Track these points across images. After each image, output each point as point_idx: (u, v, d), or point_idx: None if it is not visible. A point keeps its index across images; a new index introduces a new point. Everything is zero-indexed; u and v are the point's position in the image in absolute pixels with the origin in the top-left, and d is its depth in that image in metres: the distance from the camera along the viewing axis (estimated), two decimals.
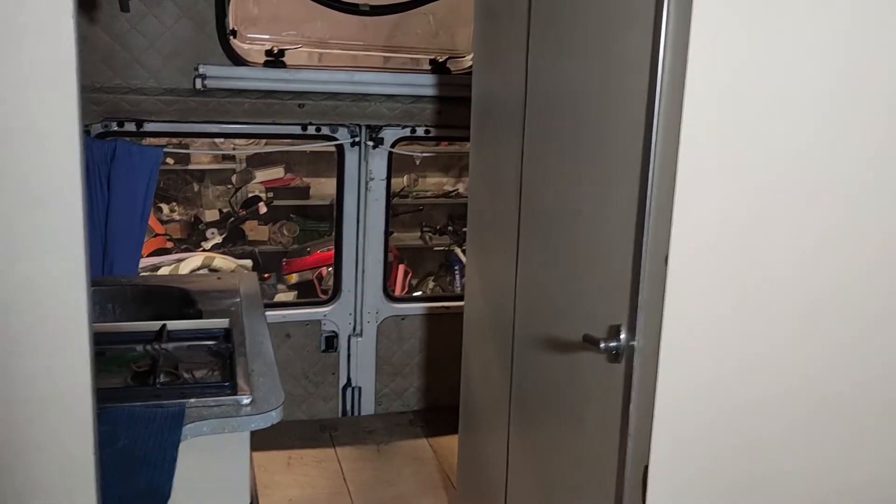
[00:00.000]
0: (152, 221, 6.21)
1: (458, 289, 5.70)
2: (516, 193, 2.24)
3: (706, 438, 1.63)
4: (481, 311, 2.65)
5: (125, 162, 3.18)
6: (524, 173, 2.20)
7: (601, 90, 1.78)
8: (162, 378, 1.63)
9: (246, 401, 1.56)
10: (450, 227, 5.83)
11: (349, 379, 3.78)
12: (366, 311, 3.74)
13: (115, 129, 3.20)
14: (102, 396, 1.52)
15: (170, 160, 6.57)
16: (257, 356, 1.82)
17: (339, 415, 3.79)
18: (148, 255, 5.85)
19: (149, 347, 1.76)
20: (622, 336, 1.69)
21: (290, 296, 5.81)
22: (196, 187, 6.81)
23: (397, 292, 5.92)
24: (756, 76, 1.49)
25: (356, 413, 3.82)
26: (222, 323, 1.92)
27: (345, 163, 3.57)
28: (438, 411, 3.83)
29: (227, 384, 1.58)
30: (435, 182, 6.95)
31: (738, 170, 1.52)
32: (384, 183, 3.65)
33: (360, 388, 3.80)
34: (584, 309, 1.86)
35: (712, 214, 1.53)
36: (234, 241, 6.12)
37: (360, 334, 3.75)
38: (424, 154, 4.52)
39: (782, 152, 1.54)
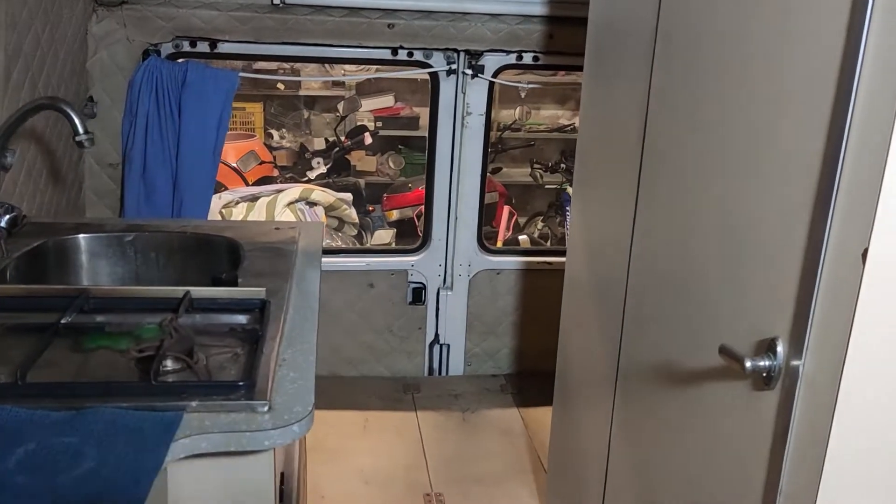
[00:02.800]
0: (259, 149, 6.10)
1: (568, 231, 5.25)
2: (638, 141, 1.73)
3: None
4: (585, 273, 2.19)
5: (198, 87, 2.87)
6: (650, 119, 1.68)
7: (775, 26, 1.24)
8: (169, 365, 1.30)
9: (263, 408, 1.20)
10: (562, 165, 5.35)
11: (437, 335, 3.43)
12: (457, 263, 3.34)
13: (188, 48, 2.89)
14: (74, 393, 1.22)
15: (280, 85, 6.42)
16: (295, 340, 1.46)
17: (425, 373, 3.46)
18: (252, 184, 5.75)
19: (163, 322, 1.43)
20: (779, 352, 1.20)
21: (389, 233, 5.55)
22: (305, 114, 6.68)
23: (501, 236, 5.51)
24: None
25: (443, 373, 3.48)
26: (258, 293, 1.56)
27: (439, 94, 3.12)
28: (534, 378, 3.43)
29: (241, 383, 1.22)
30: (549, 115, 6.49)
31: None
32: (483, 118, 3.18)
33: (448, 346, 3.45)
34: (721, 308, 1.37)
35: None
36: (338, 172, 5.91)
37: (451, 288, 3.37)
38: (531, 85, 3.98)
39: None
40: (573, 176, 2.24)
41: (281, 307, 1.56)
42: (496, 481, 2.72)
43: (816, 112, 1.12)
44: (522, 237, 5.43)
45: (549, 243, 5.68)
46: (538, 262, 3.40)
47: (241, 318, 1.51)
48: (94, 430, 1.12)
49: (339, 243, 5.33)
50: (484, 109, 3.15)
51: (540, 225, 5.70)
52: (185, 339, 1.39)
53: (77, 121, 1.71)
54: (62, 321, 1.40)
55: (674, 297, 1.57)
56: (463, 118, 3.16)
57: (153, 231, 2.04)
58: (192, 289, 1.54)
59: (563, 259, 3.40)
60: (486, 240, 3.41)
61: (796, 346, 1.15)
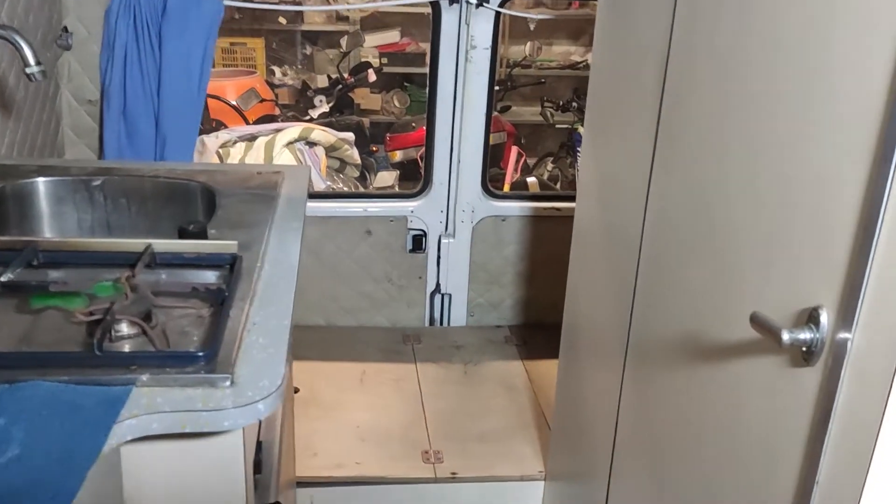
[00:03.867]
0: (261, 86, 5.89)
1: (579, 173, 5.06)
2: (658, 79, 1.53)
3: None
4: (597, 223, 2.02)
5: (179, 16, 2.64)
6: (673, 53, 1.48)
7: None
8: (123, 330, 1.14)
9: (224, 383, 1.04)
10: (574, 104, 5.11)
11: (438, 284, 3.27)
12: (460, 209, 3.16)
13: None
14: (5, 363, 1.06)
15: (282, 19, 6.18)
16: (269, 300, 1.30)
17: (426, 323, 3.32)
18: (253, 123, 5.57)
19: (119, 280, 1.27)
20: (823, 324, 1.03)
21: (392, 175, 5.37)
22: (308, 50, 6.45)
23: (508, 178, 5.30)
24: None
25: (444, 323, 3.34)
26: (229, 247, 1.39)
27: (441, 25, 2.89)
28: (540, 329, 3.28)
29: (200, 354, 1.07)
30: (561, 52, 6.24)
31: None
32: (489, 53, 2.95)
33: (450, 296, 3.29)
34: (752, 272, 1.19)
35: None
36: (341, 110, 5.71)
37: (453, 235, 3.20)
38: (541, 16, 3.72)
39: None
40: (585, 110, 2.05)
41: (255, 263, 1.39)
42: (498, 438, 2.61)
43: (882, 39, 0.92)
44: (531, 179, 5.23)
45: (559, 185, 5.48)
46: (546, 208, 3.21)
47: (210, 276, 1.35)
48: (25, 409, 0.97)
49: (341, 185, 5.17)
50: (490, 43, 2.92)
51: (550, 166, 5.51)
52: (142, 299, 1.24)
53: (27, 51, 1.53)
54: (3, 278, 1.24)
55: (696, 256, 1.39)
56: (467, 52, 2.93)
57: (123, 175, 1.87)
58: (156, 241, 1.37)
59: (573, 205, 3.23)
60: (492, 182, 3.21)
61: (844, 317, 0.98)
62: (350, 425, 2.63)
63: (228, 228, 1.56)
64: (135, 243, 1.37)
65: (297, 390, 2.76)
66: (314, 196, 3.21)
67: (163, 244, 1.38)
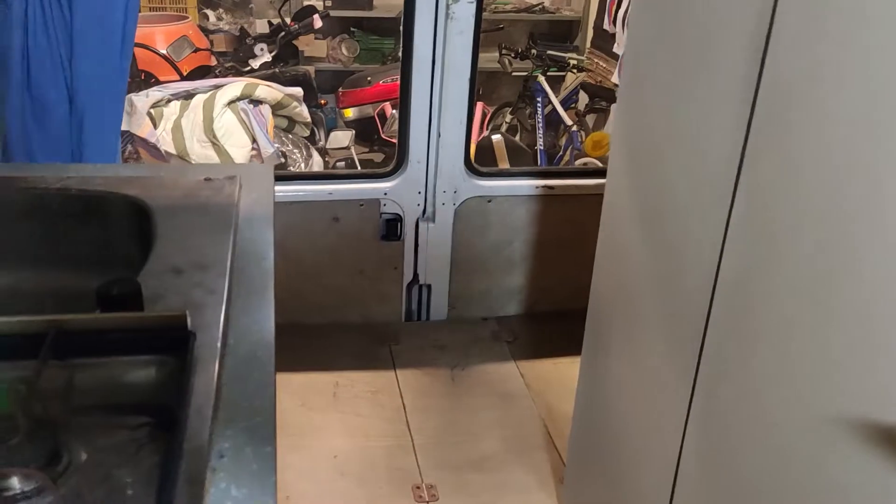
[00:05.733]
0: (194, 33, 5.32)
1: (539, 124, 4.70)
2: (758, 27, 1.13)
3: None
4: (628, 200, 1.64)
5: None
6: None
7: None
8: (15, 487, 0.72)
9: None
10: (533, 50, 4.83)
11: (416, 275, 2.87)
12: (440, 190, 2.74)
13: None
14: None
15: None
16: (241, 406, 0.88)
17: (402, 318, 2.93)
18: (187, 75, 5.02)
19: (13, 386, 0.83)
20: None
21: (347, 135, 4.91)
22: None
23: (474, 137, 4.89)
24: None
25: (423, 317, 2.95)
26: (176, 319, 0.96)
27: None
28: (532, 321, 2.94)
29: None
30: None
31: None
32: (473, 7, 2.50)
33: (429, 287, 2.90)
34: None
35: None
36: (285, 60, 5.24)
37: (433, 219, 2.79)
38: None
39: None
40: (621, 70, 1.65)
41: (216, 338, 0.97)
42: (497, 465, 2.26)
43: None
44: (496, 138, 4.82)
45: (518, 136, 5.10)
46: (539, 186, 2.81)
47: (149, 371, 0.92)
48: None
49: (290, 147, 4.69)
50: None
51: (508, 117, 5.15)
52: (44, 424, 0.81)
53: None
54: None
55: (810, 298, 1.03)
56: (447, 7, 2.47)
57: (14, 188, 1.39)
58: (65, 318, 0.93)
59: (567, 182, 2.84)
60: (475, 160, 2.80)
61: None
62: (326, 455, 2.24)
63: (172, 276, 1.12)
64: (31, 322, 0.92)
65: None
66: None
67: (78, 320, 0.93)
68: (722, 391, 1.31)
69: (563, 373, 2.67)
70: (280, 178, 2.79)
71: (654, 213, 1.55)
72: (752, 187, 1.19)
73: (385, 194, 2.72)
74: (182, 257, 1.17)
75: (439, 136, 2.66)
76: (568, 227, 2.85)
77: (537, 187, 2.81)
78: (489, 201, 2.80)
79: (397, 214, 2.75)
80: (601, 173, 2.97)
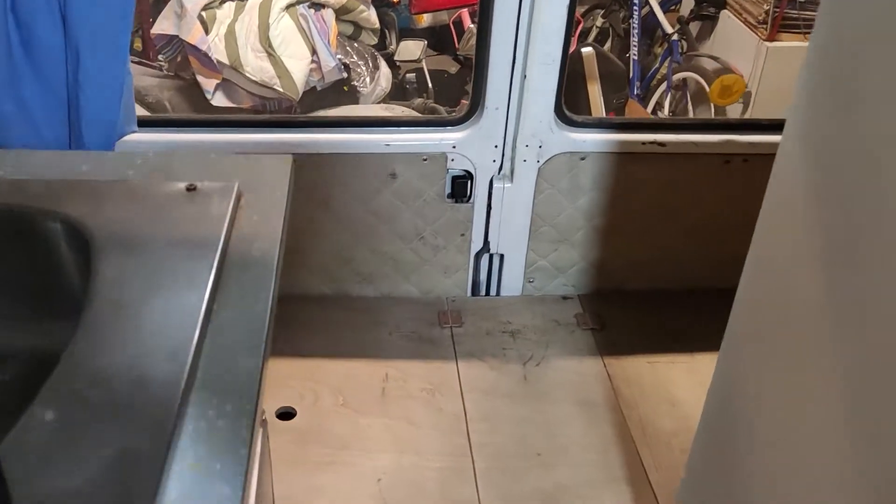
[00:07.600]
0: None
1: (635, 29, 4.02)
2: None
3: None
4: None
5: None
6: None
7: None
8: None
9: None
10: None
11: (486, 243, 2.39)
12: (522, 143, 2.21)
13: None
14: None
15: None
16: None
17: (468, 293, 2.47)
18: None
19: None
20: None
21: (419, 46, 4.36)
22: None
23: None
24: None
25: (494, 292, 2.48)
26: None
27: None
28: (621, 303, 2.44)
29: None
30: None
31: None
32: None
33: (501, 257, 2.42)
34: None
35: None
36: None
37: (510, 178, 2.27)
38: None
39: None
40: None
41: None
42: (574, 501, 1.83)
43: None
44: (586, 51, 4.13)
45: (609, 44, 4.41)
46: (646, 142, 2.24)
47: None
48: None
49: (355, 59, 4.18)
50: None
51: (600, 21, 4.47)
52: None
53: None
54: None
55: None
56: None
57: None
58: None
59: (684, 137, 2.27)
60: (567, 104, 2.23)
61: None
62: (370, 477, 1.85)
63: (94, 422, 0.67)
64: None
65: (290, 416, 1.98)
66: (312, 125, 2.26)
67: None
68: None
69: (660, 377, 2.19)
70: (326, 125, 2.31)
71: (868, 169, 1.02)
72: None
73: (453, 147, 2.20)
74: (122, 336, 0.72)
75: (524, 77, 2.10)
76: (672, 192, 2.31)
77: (644, 143, 2.24)
78: (582, 158, 2.26)
79: (467, 171, 2.24)
80: (728, 127, 2.37)
